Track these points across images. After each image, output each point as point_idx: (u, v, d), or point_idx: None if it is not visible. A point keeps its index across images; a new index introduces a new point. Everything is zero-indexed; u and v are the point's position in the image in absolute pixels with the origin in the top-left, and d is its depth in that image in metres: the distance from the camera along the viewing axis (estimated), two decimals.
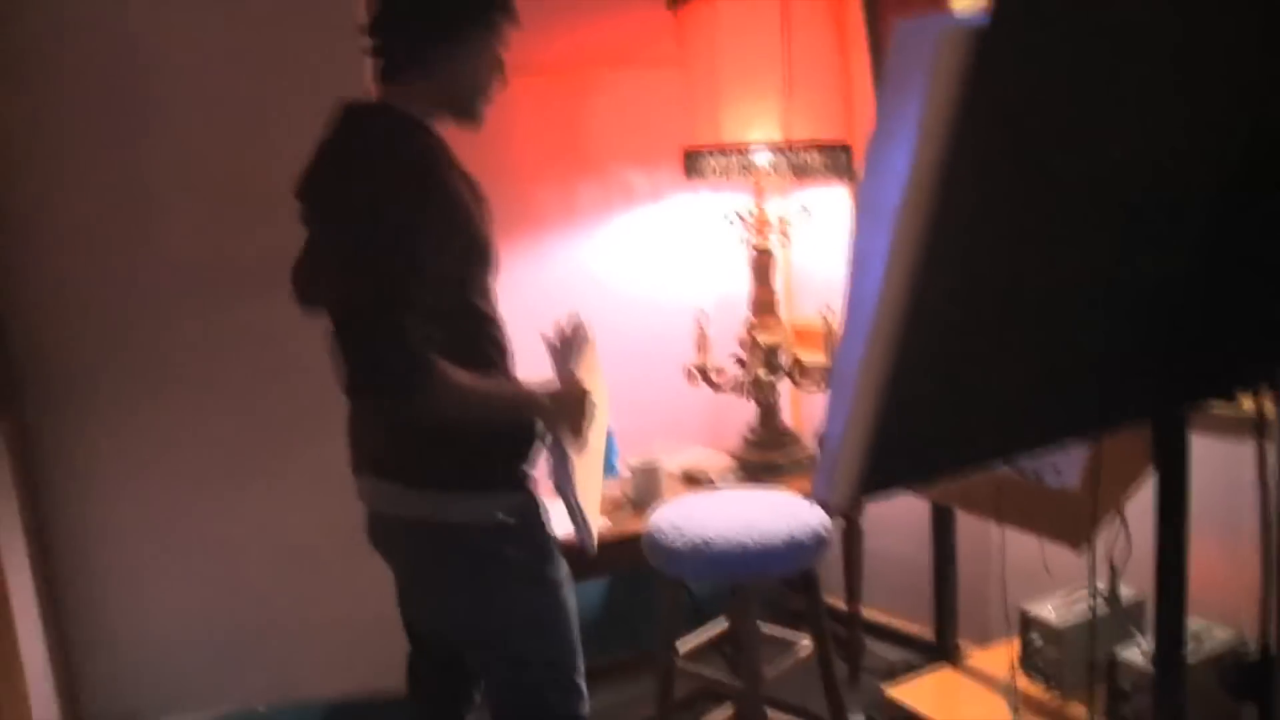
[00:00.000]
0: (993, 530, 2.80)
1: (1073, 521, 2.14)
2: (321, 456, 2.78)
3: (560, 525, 2.10)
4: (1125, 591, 2.46)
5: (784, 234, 3.19)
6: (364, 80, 2.14)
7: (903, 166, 0.82)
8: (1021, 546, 2.52)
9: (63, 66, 2.64)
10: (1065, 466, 2.14)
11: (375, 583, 2.71)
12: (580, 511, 2.07)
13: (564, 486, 2.03)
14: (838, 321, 3.08)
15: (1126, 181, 1.00)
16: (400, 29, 1.93)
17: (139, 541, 2.87)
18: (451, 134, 3.01)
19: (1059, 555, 2.27)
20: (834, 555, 3.14)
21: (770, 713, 2.60)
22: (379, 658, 2.82)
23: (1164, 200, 1.05)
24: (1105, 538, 2.21)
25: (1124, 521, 2.20)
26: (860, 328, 0.90)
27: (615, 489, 3.10)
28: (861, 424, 0.94)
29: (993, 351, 1.00)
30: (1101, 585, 2.43)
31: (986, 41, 0.80)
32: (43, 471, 2.78)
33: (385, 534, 2.09)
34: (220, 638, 2.93)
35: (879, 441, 0.96)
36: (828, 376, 3.11)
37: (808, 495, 2.73)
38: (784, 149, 2.99)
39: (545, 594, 2.06)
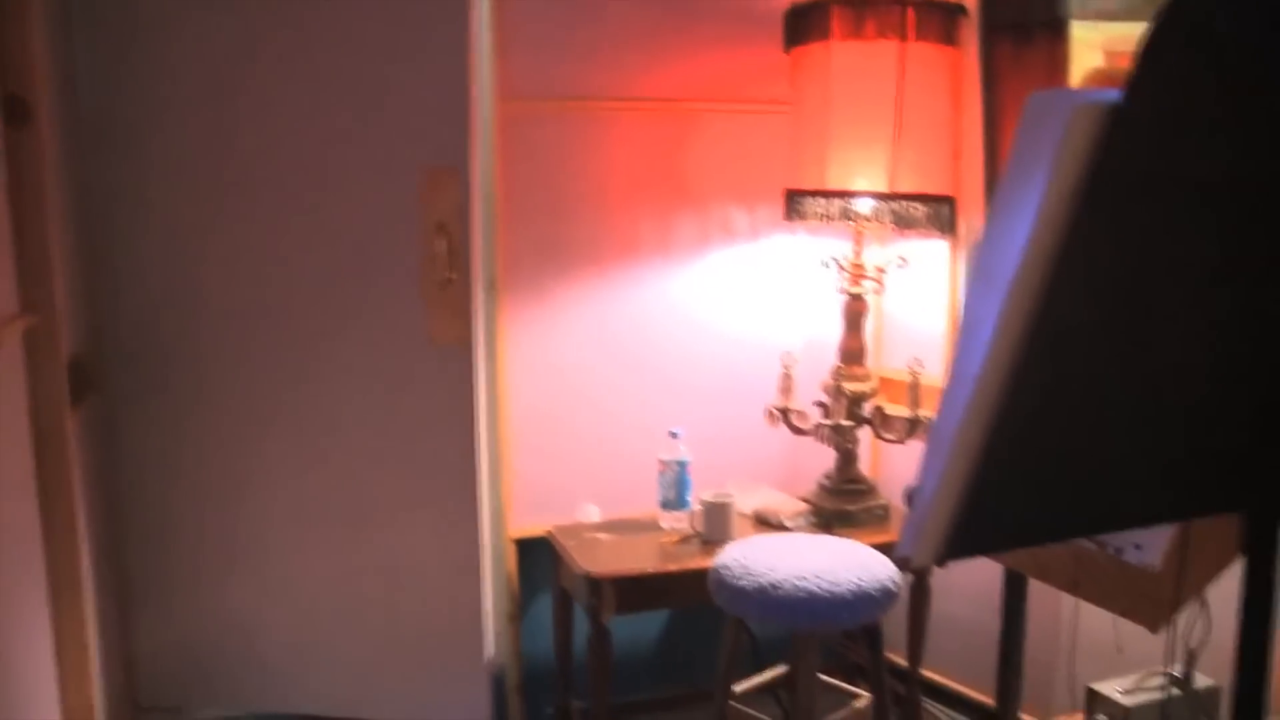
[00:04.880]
0: (1065, 601, 2.75)
1: (1151, 602, 2.09)
2: (413, 475, 2.82)
3: None
4: (1201, 678, 2.40)
5: (879, 283, 3.18)
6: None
7: (1023, 236, 0.82)
8: (1094, 622, 2.48)
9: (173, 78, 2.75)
10: (1147, 544, 2.10)
11: (451, 611, 2.74)
12: None
13: None
14: (925, 375, 3.06)
15: (1243, 272, 0.99)
16: None
17: (209, 539, 2.92)
18: (554, 156, 3.08)
19: (1133, 634, 2.23)
20: (899, 612, 3.11)
21: None
22: (441, 689, 2.85)
23: (1274, 294, 1.03)
24: (1184, 620, 2.16)
25: (1205, 605, 2.15)
26: (963, 390, 0.90)
27: (685, 523, 3.10)
28: (954, 486, 0.94)
29: (1090, 428, 0.99)
30: (1176, 669, 2.37)
31: (1119, 118, 0.79)
32: (120, 461, 2.85)
33: None
34: (281, 641, 2.96)
35: (970, 505, 0.96)
36: (910, 428, 3.09)
37: (880, 545, 2.70)
38: (888, 198, 2.98)
39: None
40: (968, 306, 0.92)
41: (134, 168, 2.77)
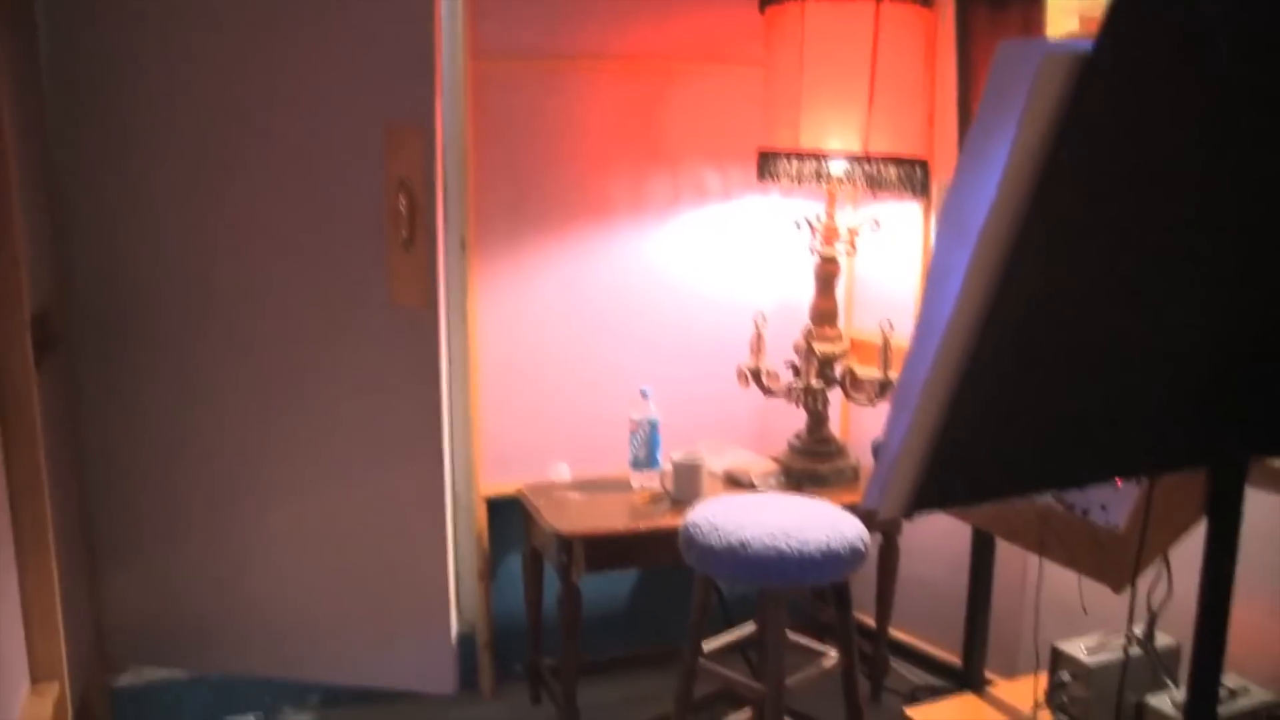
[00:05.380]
0: (1031, 562, 2.78)
1: (1115, 562, 2.11)
2: (375, 438, 2.81)
3: None
4: (1161, 638, 2.43)
5: (851, 245, 3.18)
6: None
7: (992, 186, 0.81)
8: (1059, 582, 2.51)
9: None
10: (1113, 505, 2.12)
11: (417, 571, 2.73)
12: None
13: None
14: (896, 337, 3.07)
15: (1209, 229, 0.99)
16: None
17: (174, 499, 2.91)
18: (526, 115, 3.04)
19: (1097, 594, 2.25)
20: (868, 572, 3.14)
21: None
22: (408, 649, 2.86)
23: (1245, 254, 1.04)
24: (1146, 580, 2.19)
25: (1168, 566, 2.17)
26: (930, 342, 0.90)
27: (655, 482, 3.11)
28: (920, 438, 0.94)
29: (1057, 380, 1.00)
30: (1138, 629, 2.40)
31: (1088, 69, 0.79)
32: (85, 418, 2.84)
33: None
34: (246, 599, 2.96)
35: (935, 457, 0.96)
36: (880, 390, 3.10)
37: (849, 505, 2.72)
38: (861, 160, 2.97)
39: None
40: (936, 255, 0.92)
41: (95, 125, 2.73)
